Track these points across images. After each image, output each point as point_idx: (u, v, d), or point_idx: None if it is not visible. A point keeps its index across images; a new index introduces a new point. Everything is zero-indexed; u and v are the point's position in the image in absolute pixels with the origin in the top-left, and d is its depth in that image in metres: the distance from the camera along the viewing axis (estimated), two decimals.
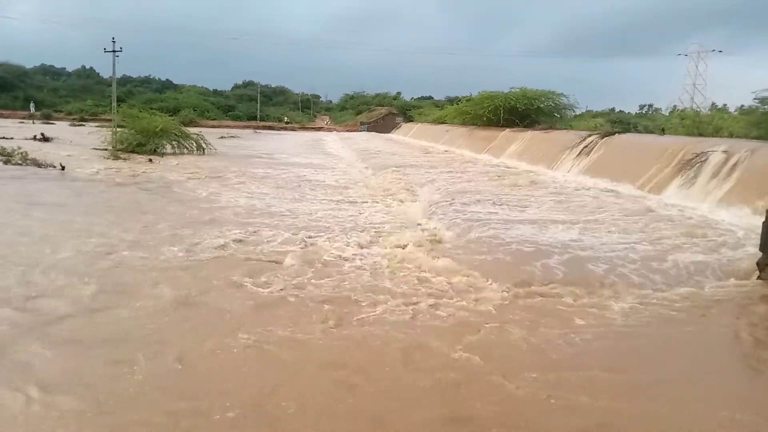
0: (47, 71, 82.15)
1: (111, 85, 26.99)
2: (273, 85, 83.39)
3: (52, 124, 43.57)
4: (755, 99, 16.88)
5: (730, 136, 17.16)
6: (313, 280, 5.74)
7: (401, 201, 11.45)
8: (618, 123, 31.85)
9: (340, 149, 30.11)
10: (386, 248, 7.18)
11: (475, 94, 35.89)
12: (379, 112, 65.98)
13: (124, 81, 71.98)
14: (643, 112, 55.73)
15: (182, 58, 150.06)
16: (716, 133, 18.51)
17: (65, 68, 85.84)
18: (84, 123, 45.79)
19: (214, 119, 59.09)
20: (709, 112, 28.25)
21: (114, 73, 23.62)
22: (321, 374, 3.77)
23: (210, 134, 26.70)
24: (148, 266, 6.05)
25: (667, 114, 34.33)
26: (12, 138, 22.11)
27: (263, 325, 4.52)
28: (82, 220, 8.21)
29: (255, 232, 7.85)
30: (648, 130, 24.32)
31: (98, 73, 79.59)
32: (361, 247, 7.19)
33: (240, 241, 7.28)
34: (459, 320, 4.81)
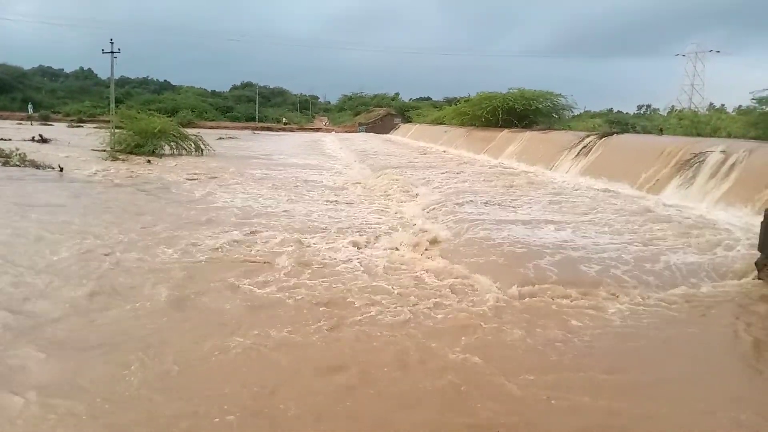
0: (45, 72, 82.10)
1: (109, 86, 27.01)
2: (271, 86, 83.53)
3: (50, 125, 43.50)
4: (753, 99, 16.95)
5: (728, 136, 17.19)
6: (309, 282, 5.72)
7: (398, 202, 11.44)
8: (616, 123, 31.86)
9: (337, 150, 30.11)
10: (383, 249, 7.17)
11: (474, 94, 36.02)
12: (377, 113, 66.03)
13: (122, 82, 72.02)
14: (642, 112, 55.74)
15: (180, 58, 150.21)
16: (714, 133, 18.55)
17: (63, 69, 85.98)
18: (82, 124, 45.81)
19: (213, 120, 59.12)
20: (707, 113, 28.35)
21: (112, 74, 23.67)
22: (319, 376, 3.75)
23: (208, 135, 26.69)
24: (145, 267, 6.03)
25: (666, 114, 34.40)
26: (10, 139, 22.09)
27: (260, 326, 4.51)
28: (79, 221, 8.19)
29: (252, 233, 7.84)
30: (646, 131, 24.33)
31: (96, 75, 79.70)
32: (358, 248, 7.18)
33: (237, 242, 7.26)
34: (457, 321, 4.80)
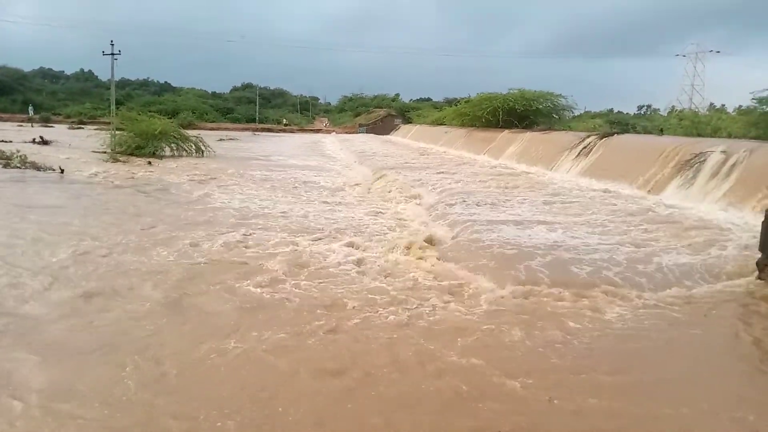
0: (46, 74, 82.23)
1: (109, 88, 27.03)
2: (272, 88, 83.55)
3: (51, 127, 43.57)
4: (753, 99, 16.96)
5: (729, 136, 17.20)
6: (307, 283, 5.71)
7: (396, 203, 11.41)
8: (616, 124, 31.89)
9: (337, 151, 30.11)
10: (380, 251, 7.15)
11: (474, 95, 36.00)
12: (377, 113, 66.07)
13: (123, 84, 72.07)
14: (642, 112, 55.74)
15: (181, 60, 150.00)
16: (715, 133, 18.57)
17: (64, 71, 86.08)
18: (83, 126, 45.93)
19: (213, 122, 59.19)
20: (707, 113, 28.37)
21: (112, 76, 23.65)
22: (319, 379, 3.73)
23: (209, 137, 26.70)
24: (143, 269, 6.02)
25: (666, 115, 34.44)
26: (11, 141, 22.11)
27: (258, 329, 4.49)
28: (79, 223, 8.20)
29: (250, 234, 7.83)
30: (646, 131, 24.36)
31: (97, 76, 79.81)
32: (355, 250, 7.16)
33: (235, 243, 7.25)
34: (456, 322, 4.78)
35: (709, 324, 5.02)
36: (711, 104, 38.97)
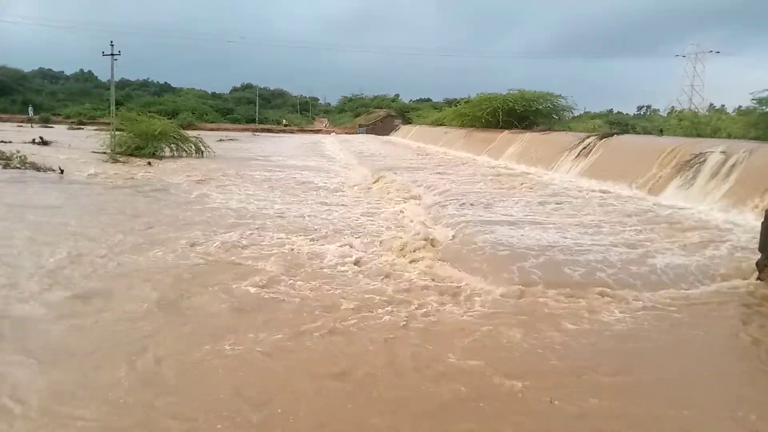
0: (45, 75, 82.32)
1: (109, 89, 27.04)
2: (271, 88, 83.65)
3: (51, 127, 43.59)
4: (753, 100, 16.97)
5: (729, 136, 17.21)
6: (305, 284, 5.69)
7: (395, 204, 11.40)
8: (616, 124, 31.93)
9: (337, 152, 30.11)
10: (378, 252, 7.14)
11: (474, 95, 36.02)
12: (377, 114, 66.11)
13: (123, 84, 72.16)
14: (642, 113, 55.84)
15: (180, 61, 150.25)
16: (714, 133, 18.58)
17: (63, 72, 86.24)
18: (82, 126, 45.96)
19: (213, 122, 59.21)
20: (707, 113, 28.38)
21: (112, 76, 23.66)
22: (317, 381, 3.71)
23: (208, 137, 26.69)
24: (139, 269, 6.01)
25: (666, 115, 34.48)
26: (10, 142, 22.10)
27: (255, 330, 4.47)
28: (77, 223, 8.19)
29: (249, 235, 7.82)
30: (646, 132, 24.39)
31: (96, 77, 79.90)
32: (353, 249, 7.14)
33: (233, 244, 7.24)
34: (454, 323, 4.77)
35: (709, 324, 5.01)
36: (711, 105, 39.04)
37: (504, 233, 7.91)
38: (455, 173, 17.19)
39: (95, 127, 35.75)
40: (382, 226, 8.81)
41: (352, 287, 5.66)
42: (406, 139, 46.44)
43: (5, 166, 14.56)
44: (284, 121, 66.14)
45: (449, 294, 5.52)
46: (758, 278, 5.97)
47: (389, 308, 5.05)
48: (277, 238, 7.63)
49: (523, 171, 18.44)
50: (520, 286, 5.65)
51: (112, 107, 23.84)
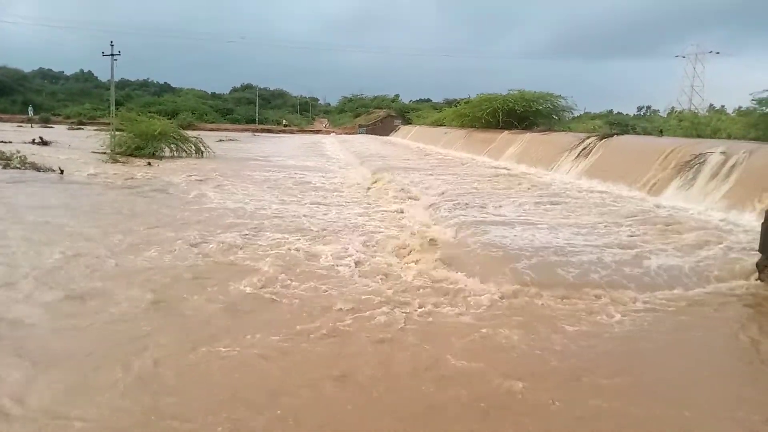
0: (45, 75, 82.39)
1: (109, 89, 27.04)
2: (271, 88, 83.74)
3: (51, 127, 43.64)
4: (753, 100, 16.97)
5: (729, 137, 17.21)
6: (303, 285, 5.67)
7: (395, 204, 11.38)
8: (616, 125, 31.96)
9: (336, 152, 30.11)
10: (377, 251, 7.13)
11: (474, 96, 36.02)
12: (377, 114, 66.17)
13: (123, 84, 72.20)
14: (641, 113, 55.91)
15: (180, 61, 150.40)
16: (714, 134, 18.59)
17: (63, 72, 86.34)
18: (82, 127, 46.01)
19: (213, 122, 59.24)
20: (707, 114, 28.40)
21: (112, 76, 23.67)
22: (315, 383, 3.69)
23: (208, 137, 26.70)
24: (137, 270, 6.01)
25: (666, 116, 34.49)
26: (10, 142, 22.11)
27: (252, 332, 4.44)
28: (75, 224, 8.20)
29: (246, 235, 7.82)
30: (646, 132, 24.41)
31: (96, 77, 79.99)
32: (351, 250, 7.13)
33: (230, 244, 7.23)
34: (452, 325, 4.76)
35: (709, 325, 5.01)
36: (710, 105, 39.07)
37: (503, 234, 7.90)
38: (455, 174, 17.18)
39: (95, 128, 35.75)
40: (381, 227, 8.79)
41: (350, 288, 5.65)
42: (406, 139, 46.44)
43: (5, 167, 14.56)
44: (284, 121, 66.18)
45: (447, 295, 5.50)
46: (758, 279, 5.97)
47: (387, 309, 5.03)
48: (275, 239, 7.63)
49: (523, 171, 18.44)
50: (519, 287, 5.63)
51: (112, 107, 23.85)
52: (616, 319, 4.95)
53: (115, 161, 17.91)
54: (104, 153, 19.79)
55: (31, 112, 49.12)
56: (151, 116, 22.47)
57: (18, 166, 14.74)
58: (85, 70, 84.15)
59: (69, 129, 43.20)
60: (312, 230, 8.34)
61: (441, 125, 40.67)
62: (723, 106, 33.61)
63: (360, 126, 63.40)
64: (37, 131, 32.09)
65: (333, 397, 3.51)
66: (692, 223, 8.92)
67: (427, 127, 46.00)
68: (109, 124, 23.95)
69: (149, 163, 17.70)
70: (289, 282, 5.77)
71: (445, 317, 4.92)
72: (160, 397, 3.41)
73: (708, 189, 11.10)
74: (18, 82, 66.20)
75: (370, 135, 57.39)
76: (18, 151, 16.39)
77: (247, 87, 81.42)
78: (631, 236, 7.98)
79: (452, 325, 4.75)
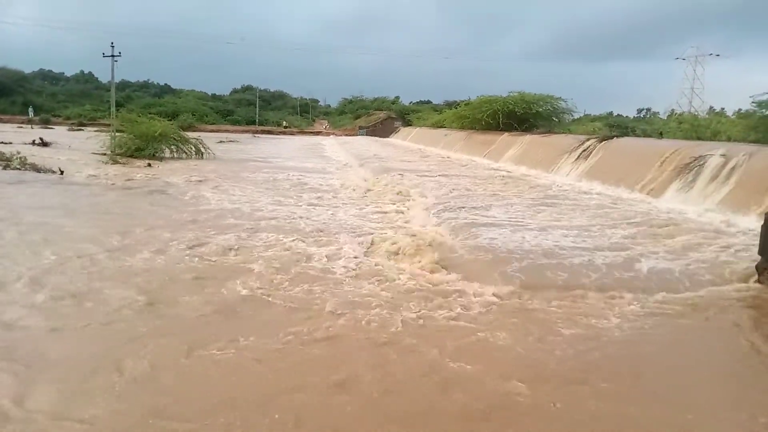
0: (46, 76, 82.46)
1: (110, 90, 27.05)
2: (272, 90, 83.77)
3: (51, 128, 43.65)
4: (753, 103, 16.98)
5: (728, 139, 17.22)
6: (298, 287, 5.64)
7: (393, 205, 11.36)
8: (616, 127, 32.01)
9: (336, 154, 30.10)
10: (374, 253, 7.11)
11: (474, 98, 36.06)
12: (377, 116, 66.21)
13: (123, 86, 72.27)
14: (641, 116, 55.94)
15: (181, 62, 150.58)
16: (714, 136, 18.59)
17: (64, 73, 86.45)
18: (82, 128, 45.98)
19: (213, 124, 59.25)
20: (706, 116, 28.41)
21: (113, 77, 23.66)
22: (311, 386, 3.66)
23: (209, 139, 26.68)
24: (132, 271, 5.99)
25: (665, 118, 34.47)
26: (10, 143, 22.08)
27: (247, 334, 4.40)
28: (73, 224, 8.18)
29: (244, 236, 7.81)
30: (646, 134, 24.39)
31: (97, 78, 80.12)
32: (348, 251, 7.12)
33: (227, 245, 7.21)
34: (450, 327, 4.74)
35: (708, 327, 5.00)
36: (710, 108, 39.06)
37: (501, 236, 7.90)
38: (454, 175, 17.19)
39: (95, 129, 35.75)
40: (379, 228, 8.76)
41: (346, 290, 5.63)
42: (406, 141, 46.46)
43: (5, 167, 14.56)
44: (284, 122, 66.21)
45: (444, 297, 5.48)
46: (758, 281, 5.97)
47: (384, 312, 5.01)
48: (273, 240, 7.62)
49: (522, 173, 18.46)
50: (517, 289, 5.63)
51: (113, 108, 23.86)
52: (615, 321, 4.93)
53: (115, 162, 17.91)
54: (104, 154, 19.80)
55: (31, 113, 49.15)
56: (152, 117, 22.46)
57: (18, 167, 14.73)
58: (86, 72, 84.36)
59: (69, 130, 43.17)
60: (309, 232, 8.33)
61: (441, 127, 40.70)
62: (723, 109, 33.65)
63: (360, 127, 63.42)
64: (37, 132, 32.09)
65: (331, 401, 3.49)
66: (691, 226, 8.92)
67: (427, 128, 46.03)
68: (109, 125, 23.97)
69: (149, 165, 17.70)
70: (285, 284, 5.75)
71: (443, 319, 4.90)
72: (156, 400, 3.40)
73: (708, 191, 11.11)
74: (18, 83, 66.21)
75: (370, 137, 57.38)
76: (18, 152, 16.39)
77: (247, 88, 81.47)
78: (630, 238, 7.97)
79: (449, 328, 4.73)
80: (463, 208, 10.49)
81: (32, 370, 3.72)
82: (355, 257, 6.89)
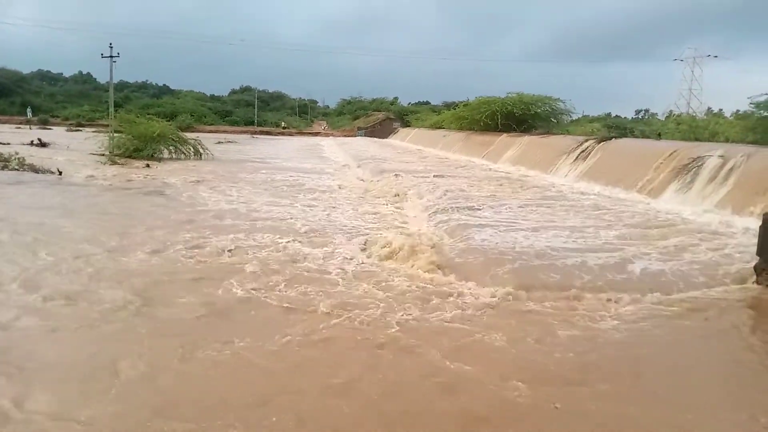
0: (44, 76, 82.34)
1: (108, 91, 27.03)
2: (270, 90, 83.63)
3: (49, 129, 43.61)
4: (751, 104, 16.97)
5: (726, 140, 17.23)
6: (294, 288, 5.63)
7: (391, 206, 11.38)
8: (614, 128, 32.04)
9: (334, 154, 30.09)
10: (371, 254, 7.10)
11: (473, 99, 36.05)
12: (376, 117, 66.18)
13: (121, 86, 72.22)
14: (640, 117, 56.03)
15: (179, 63, 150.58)
16: (712, 137, 18.60)
17: (62, 73, 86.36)
18: (81, 128, 45.89)
19: (212, 124, 59.17)
20: (705, 117, 28.44)
21: (111, 78, 23.65)
22: (308, 388, 3.65)
23: (207, 139, 26.62)
24: (129, 272, 5.99)
25: (664, 119, 34.55)
26: (9, 143, 22.06)
27: (243, 335, 4.40)
28: (70, 225, 8.17)
29: (241, 237, 7.80)
30: (644, 135, 24.38)
31: (95, 79, 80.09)
32: (344, 252, 7.13)
33: (224, 246, 7.21)
34: (448, 328, 4.73)
35: (707, 328, 5.00)
36: (708, 109, 39.03)
37: (499, 236, 7.90)
38: (452, 176, 17.19)
39: (94, 129, 35.64)
40: (376, 229, 8.77)
41: (342, 291, 5.61)
42: (404, 142, 46.46)
43: (4, 168, 14.54)
44: (283, 123, 66.18)
45: (441, 298, 5.48)
46: (756, 282, 5.98)
47: (381, 313, 5.00)
48: (269, 241, 7.61)
49: (521, 174, 18.46)
50: (515, 290, 5.62)
51: (111, 109, 23.83)
52: (613, 322, 4.94)
53: (114, 163, 17.89)
54: (103, 155, 19.78)
55: (29, 114, 49.09)
56: (150, 118, 22.43)
57: (16, 167, 14.72)
58: (84, 72, 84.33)
59: (68, 131, 43.13)
60: (306, 233, 8.33)
61: (440, 128, 40.69)
62: (721, 110, 33.64)
63: (359, 128, 63.40)
64: (35, 133, 32.06)
65: (329, 402, 3.48)
66: (690, 226, 8.93)
67: (425, 129, 46.03)
68: (107, 125, 23.92)
69: (147, 165, 17.68)
70: (280, 285, 5.73)
71: (440, 321, 4.89)
72: (154, 401, 3.39)
73: (706, 192, 11.12)
74: (17, 83, 66.12)
75: (368, 138, 57.35)
76: (16, 153, 16.37)
77: (246, 89, 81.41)
78: (627, 239, 7.97)
79: (447, 329, 4.72)
80: (460, 209, 10.47)
81: (30, 370, 3.71)
82: (352, 258, 6.89)
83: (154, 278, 5.81)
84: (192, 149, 21.88)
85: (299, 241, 7.68)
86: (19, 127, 43.16)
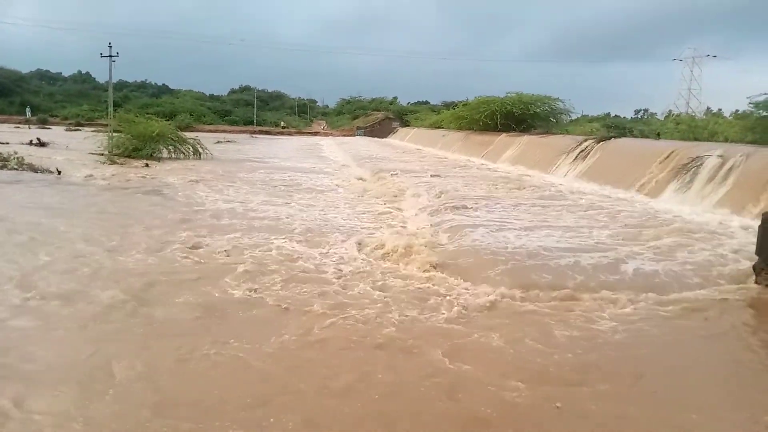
0: (43, 76, 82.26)
1: (107, 90, 26.99)
2: (270, 90, 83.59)
3: (48, 129, 43.56)
4: (750, 104, 16.96)
5: (726, 140, 17.24)
6: (291, 288, 5.62)
7: (390, 206, 11.36)
8: (614, 128, 32.01)
9: (333, 154, 30.07)
10: (369, 254, 7.09)
11: (472, 98, 36.04)
12: (375, 116, 66.18)
13: (121, 86, 72.13)
14: (639, 116, 55.99)
15: (179, 62, 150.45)
16: (711, 137, 18.61)
17: (61, 73, 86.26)
18: (80, 128, 45.85)
19: (211, 124, 59.13)
20: (704, 117, 28.46)
21: (110, 77, 23.59)
22: (307, 389, 3.64)
23: (206, 139, 26.59)
24: (126, 272, 5.97)
25: (663, 119, 34.54)
26: (8, 143, 22.04)
27: (240, 336, 4.39)
28: (68, 225, 8.14)
29: (239, 237, 7.79)
30: (644, 135, 24.38)
31: (94, 78, 79.98)
32: (342, 252, 7.11)
33: (222, 246, 7.19)
34: (446, 328, 4.72)
35: (706, 328, 4.99)
36: (708, 108, 39.04)
37: (498, 236, 7.89)
38: (451, 176, 17.18)
39: (93, 129, 35.60)
40: (373, 229, 8.76)
41: (339, 291, 5.60)
42: (404, 141, 46.46)
43: (2, 167, 14.53)
44: (282, 123, 66.16)
45: (439, 297, 5.46)
46: (755, 281, 5.97)
47: (378, 312, 4.99)
48: (267, 241, 7.59)
49: (520, 174, 18.45)
50: (513, 291, 5.61)
51: (110, 108, 23.77)
52: (612, 323, 4.93)
53: (113, 163, 17.87)
54: (102, 154, 19.76)
55: (28, 113, 49.00)
56: (149, 117, 22.39)
57: (15, 167, 14.70)
58: (83, 72, 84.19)
59: (67, 130, 43.06)
60: (304, 232, 8.31)
61: (439, 128, 40.68)
62: (720, 110, 33.63)
63: (358, 128, 63.39)
64: (34, 132, 32.01)
65: (328, 402, 3.47)
66: (689, 226, 8.92)
67: (425, 129, 46.03)
68: (107, 125, 23.88)
69: (147, 165, 17.67)
70: (278, 285, 5.72)
71: (438, 321, 4.88)
72: (149, 402, 3.37)
73: (705, 192, 11.12)
74: (16, 83, 66.03)
75: (368, 137, 57.34)
76: (15, 152, 16.37)
77: (245, 89, 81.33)
78: (626, 239, 7.97)
79: (445, 329, 4.71)
80: (458, 208, 10.45)
81: (29, 371, 3.70)
82: (350, 258, 6.88)
83: (151, 278, 5.79)
84: (191, 149, 21.85)
85: (296, 241, 7.67)
86: (18, 127, 43.11)
